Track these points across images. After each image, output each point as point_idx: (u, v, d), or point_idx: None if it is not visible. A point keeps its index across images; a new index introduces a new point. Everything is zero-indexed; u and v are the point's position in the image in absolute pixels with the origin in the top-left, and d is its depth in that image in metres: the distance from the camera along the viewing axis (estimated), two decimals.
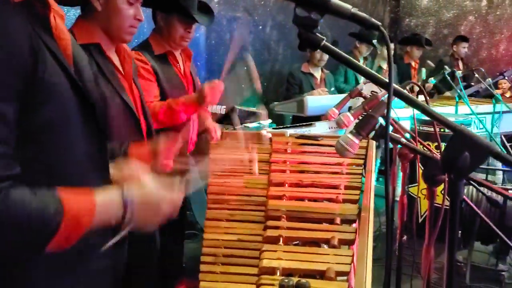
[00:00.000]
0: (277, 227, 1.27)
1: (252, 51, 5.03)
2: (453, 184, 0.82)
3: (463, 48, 5.92)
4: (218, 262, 1.18)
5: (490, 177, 4.35)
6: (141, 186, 0.91)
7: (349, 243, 1.17)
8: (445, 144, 0.83)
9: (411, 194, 3.63)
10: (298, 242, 1.23)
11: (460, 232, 3.16)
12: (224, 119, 3.06)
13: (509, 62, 6.61)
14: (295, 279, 0.90)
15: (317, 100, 3.22)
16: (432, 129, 3.43)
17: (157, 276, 1.81)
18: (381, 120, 1.25)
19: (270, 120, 3.55)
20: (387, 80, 0.81)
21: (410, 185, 3.67)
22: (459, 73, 4.44)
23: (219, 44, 4.62)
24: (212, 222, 1.39)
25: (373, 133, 1.30)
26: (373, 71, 0.83)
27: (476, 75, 4.38)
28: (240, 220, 1.40)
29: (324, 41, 0.83)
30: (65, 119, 0.85)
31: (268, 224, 1.30)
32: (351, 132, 1.24)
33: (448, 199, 0.83)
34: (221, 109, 3.05)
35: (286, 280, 0.87)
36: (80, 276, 0.93)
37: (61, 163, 0.86)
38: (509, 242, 1.91)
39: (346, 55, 0.83)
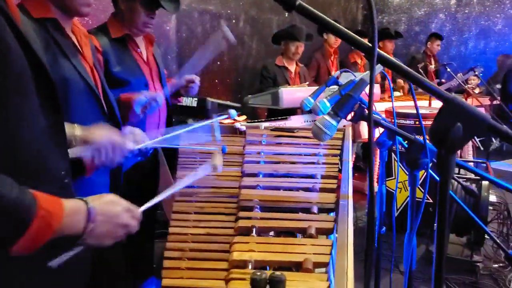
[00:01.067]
0: (249, 218, 1.16)
1: (225, 45, 4.91)
2: (443, 160, 0.73)
3: (437, 46, 6.01)
4: (185, 257, 1.06)
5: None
6: (104, 200, 0.91)
7: (327, 232, 1.08)
8: (436, 115, 0.75)
9: (388, 188, 3.60)
10: (272, 233, 1.13)
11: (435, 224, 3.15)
12: (197, 112, 2.94)
13: (477, 59, 6.75)
14: (268, 272, 0.79)
15: (292, 92, 3.13)
16: (407, 122, 3.41)
17: (126, 276, 1.68)
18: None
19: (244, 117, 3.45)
20: (370, 45, 0.71)
21: (386, 179, 3.64)
22: (432, 67, 4.47)
23: (190, 38, 4.48)
24: (180, 215, 1.27)
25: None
26: (353, 35, 0.74)
27: (448, 69, 4.42)
28: (210, 212, 1.29)
29: (299, 1, 0.73)
30: (22, 96, 0.83)
31: (240, 215, 1.19)
32: (328, 114, 1.15)
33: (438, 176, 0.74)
34: (192, 102, 2.93)
35: (258, 273, 0.77)
36: (47, 275, 0.90)
37: (19, 138, 0.84)
38: (487, 229, 1.88)
39: (324, 16, 0.74)
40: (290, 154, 1.95)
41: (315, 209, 1.21)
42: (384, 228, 2.04)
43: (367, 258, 1.24)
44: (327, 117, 1.14)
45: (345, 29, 0.74)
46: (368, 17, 0.72)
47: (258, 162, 1.82)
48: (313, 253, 0.92)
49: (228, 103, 3.16)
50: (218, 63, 4.87)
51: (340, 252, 0.87)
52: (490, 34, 6.81)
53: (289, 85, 3.58)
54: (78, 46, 1.51)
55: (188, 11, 4.46)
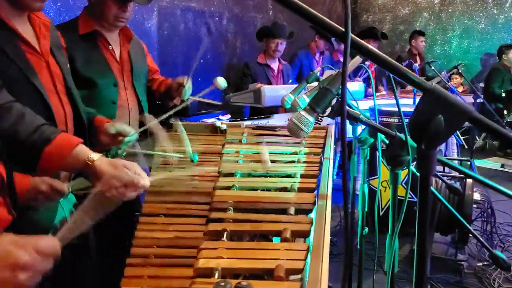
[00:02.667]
0: (221, 220, 1.09)
1: (209, 42, 4.82)
2: (424, 155, 0.67)
3: (421, 42, 6.02)
4: (148, 264, 0.98)
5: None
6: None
7: (304, 235, 1.01)
8: (415, 107, 0.68)
9: (372, 186, 3.56)
10: (247, 237, 1.05)
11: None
12: (178, 110, 2.85)
13: (461, 58, 6.79)
14: (234, 282, 0.72)
15: (275, 89, 3.07)
16: (392, 120, 3.38)
17: None
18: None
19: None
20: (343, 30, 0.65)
21: (370, 178, 3.60)
22: (416, 65, 4.46)
23: (172, 35, 4.39)
24: (148, 218, 1.18)
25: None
26: (326, 18, 0.67)
27: (433, 68, 4.41)
28: (182, 214, 1.20)
29: None
30: None
31: (211, 217, 1.12)
32: (304, 109, 1.09)
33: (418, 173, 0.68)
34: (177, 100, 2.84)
35: (222, 284, 0.70)
36: None
37: None
38: (470, 228, 1.83)
39: (298, 2, 0.67)
40: (270, 153, 1.88)
41: (292, 210, 1.14)
42: (366, 229, 1.99)
43: (346, 261, 1.18)
44: (303, 113, 1.08)
45: (319, 14, 0.67)
46: (344, 4, 0.65)
47: (237, 162, 1.74)
48: (287, 259, 0.85)
49: (210, 101, 3.07)
50: (201, 61, 4.79)
51: (315, 257, 0.80)
52: (473, 33, 6.86)
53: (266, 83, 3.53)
54: (33, 40, 1.38)
55: (170, 8, 4.36)
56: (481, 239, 1.45)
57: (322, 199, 1.15)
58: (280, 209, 1.16)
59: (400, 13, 7.22)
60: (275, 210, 1.16)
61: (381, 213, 3.51)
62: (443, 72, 4.69)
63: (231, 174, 1.52)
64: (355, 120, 1.08)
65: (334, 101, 1.10)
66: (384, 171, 3.48)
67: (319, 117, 3.23)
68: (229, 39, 5.11)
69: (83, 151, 1.15)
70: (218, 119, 3.83)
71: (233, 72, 5.03)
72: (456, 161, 3.86)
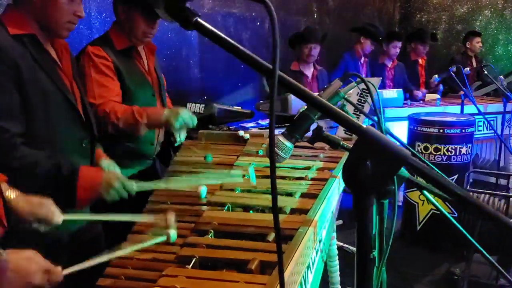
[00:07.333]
0: (195, 245, 1.08)
1: (250, 48, 4.84)
2: (358, 203, 0.62)
3: (477, 44, 5.58)
4: (116, 286, 0.99)
5: None
6: (22, 255, 0.89)
7: (273, 266, 0.96)
8: (350, 150, 0.64)
9: (409, 199, 3.38)
10: (222, 264, 1.02)
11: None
12: (203, 119, 2.89)
13: None
14: None
15: None
16: (431, 130, 3.18)
17: None
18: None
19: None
20: (271, 66, 0.62)
21: (408, 190, 3.42)
22: (466, 70, 4.15)
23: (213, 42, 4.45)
24: (136, 236, 1.21)
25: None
26: (254, 56, 0.65)
27: (485, 72, 4.07)
28: None
29: (197, 18, 0.65)
30: None
31: (187, 241, 1.11)
32: (283, 134, 1.05)
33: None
34: (200, 108, 2.89)
35: None
36: None
37: None
38: (478, 246, 1.68)
39: (223, 36, 0.65)
40: (282, 167, 1.85)
41: (271, 237, 1.10)
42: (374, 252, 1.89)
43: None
44: (281, 138, 1.05)
45: (245, 50, 0.65)
46: (272, 34, 0.62)
47: (244, 176, 1.73)
48: None
49: (238, 109, 3.09)
50: (242, 66, 4.82)
51: None
52: None
53: None
54: (58, 60, 1.52)
55: (211, 14, 4.43)
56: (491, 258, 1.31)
57: (305, 226, 1.11)
58: (262, 234, 1.13)
59: (458, 12, 6.76)
60: (256, 235, 1.13)
61: (418, 227, 3.32)
62: (500, 77, 4.32)
63: (231, 190, 1.51)
64: (334, 146, 1.03)
65: (313, 125, 1.05)
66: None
67: (357, 115, 3.12)
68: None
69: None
70: (258, 123, 3.84)
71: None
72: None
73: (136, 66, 2.04)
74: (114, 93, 1.92)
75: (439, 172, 1.66)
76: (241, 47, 0.64)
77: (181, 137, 1.89)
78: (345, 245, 2.93)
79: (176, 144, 1.92)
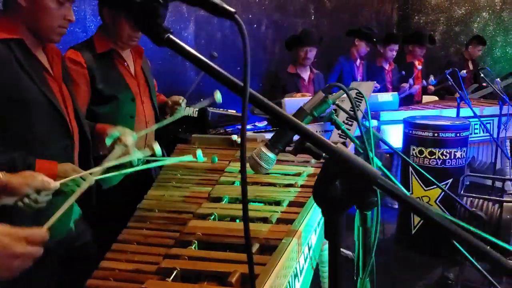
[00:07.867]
0: (177, 256, 1.07)
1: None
2: (328, 222, 0.62)
3: (478, 51, 5.58)
4: None
5: None
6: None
7: (254, 279, 0.96)
8: (320, 169, 0.64)
9: None
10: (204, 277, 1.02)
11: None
12: (197, 122, 2.89)
13: None
14: None
15: (296, 102, 3.00)
16: (426, 133, 3.18)
17: None
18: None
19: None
20: (242, 84, 0.62)
21: None
22: (463, 73, 4.14)
23: (209, 43, 4.45)
24: (121, 245, 1.20)
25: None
26: (226, 73, 0.64)
27: (482, 75, 4.07)
28: (156, 244, 1.20)
29: (168, 35, 0.65)
30: None
31: (170, 252, 1.11)
32: (266, 145, 1.05)
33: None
34: (194, 112, 2.89)
35: None
36: None
37: None
38: (468, 255, 1.67)
39: (196, 53, 0.65)
40: (272, 174, 1.84)
41: (255, 248, 1.09)
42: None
43: None
44: (263, 149, 1.04)
45: (218, 68, 0.65)
46: (243, 52, 0.62)
47: (233, 183, 1.72)
48: None
49: (233, 112, 3.09)
50: (238, 68, 4.82)
51: None
52: None
53: (297, 92, 3.45)
54: (48, 66, 1.51)
55: (207, 17, 4.43)
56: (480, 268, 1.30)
57: (289, 236, 1.10)
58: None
59: (456, 14, 6.75)
60: (241, 246, 1.12)
61: (413, 232, 3.32)
62: (496, 79, 4.32)
63: (219, 199, 1.51)
64: (317, 157, 1.02)
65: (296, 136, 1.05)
66: (417, 187, 3.28)
67: (349, 123, 3.12)
68: (267, 46, 5.08)
69: None
70: (255, 125, 3.84)
71: (271, 79, 5.00)
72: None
73: (117, 70, 2.02)
74: (80, 102, 1.88)
75: (431, 178, 1.65)
76: (213, 65, 0.63)
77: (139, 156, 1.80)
78: None
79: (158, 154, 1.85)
